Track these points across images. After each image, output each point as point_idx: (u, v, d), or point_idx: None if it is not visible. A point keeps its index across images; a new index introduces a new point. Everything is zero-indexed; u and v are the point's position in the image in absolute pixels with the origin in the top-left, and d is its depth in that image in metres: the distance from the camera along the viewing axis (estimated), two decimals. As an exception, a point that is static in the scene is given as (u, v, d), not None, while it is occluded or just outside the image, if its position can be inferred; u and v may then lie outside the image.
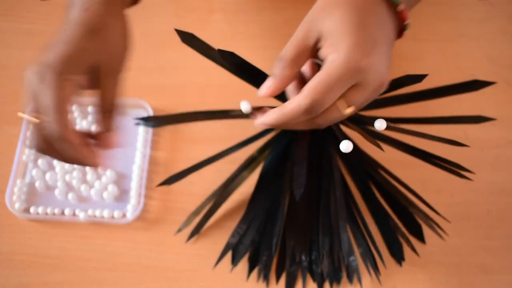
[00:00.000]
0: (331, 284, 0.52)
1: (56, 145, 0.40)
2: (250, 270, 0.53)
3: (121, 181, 0.57)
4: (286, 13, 0.68)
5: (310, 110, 0.38)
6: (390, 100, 0.51)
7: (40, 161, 0.58)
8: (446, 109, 0.57)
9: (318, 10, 0.39)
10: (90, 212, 0.55)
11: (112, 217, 0.56)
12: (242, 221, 0.54)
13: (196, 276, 0.53)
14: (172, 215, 0.56)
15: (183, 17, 0.69)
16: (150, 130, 0.60)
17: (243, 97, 0.59)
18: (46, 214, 0.56)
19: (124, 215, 0.56)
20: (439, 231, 0.54)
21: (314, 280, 0.52)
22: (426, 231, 0.54)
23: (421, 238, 0.54)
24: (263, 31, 0.68)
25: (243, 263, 0.53)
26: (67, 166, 0.58)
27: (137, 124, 0.55)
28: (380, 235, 0.54)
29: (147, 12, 0.69)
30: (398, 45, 0.66)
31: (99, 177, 0.57)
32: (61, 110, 0.38)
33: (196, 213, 0.55)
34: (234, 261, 0.53)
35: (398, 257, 0.53)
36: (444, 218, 0.54)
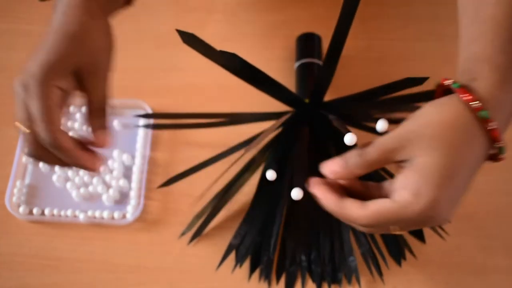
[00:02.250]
0: (329, 284, 0.52)
1: (51, 151, 0.41)
2: (252, 270, 0.53)
3: (121, 182, 0.57)
4: (286, 13, 0.68)
5: (364, 228, 0.40)
6: (390, 102, 0.51)
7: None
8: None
9: (421, 134, 0.37)
10: (90, 213, 0.55)
11: (112, 218, 0.56)
12: (244, 222, 0.54)
13: (197, 277, 0.53)
14: (172, 216, 0.56)
15: (183, 17, 0.69)
16: (150, 131, 0.60)
17: (244, 97, 0.59)
18: (46, 215, 0.56)
19: (124, 216, 0.56)
20: (440, 231, 0.54)
21: (313, 280, 0.52)
22: (426, 231, 0.54)
23: (421, 238, 0.54)
24: (263, 31, 0.68)
25: (244, 264, 0.53)
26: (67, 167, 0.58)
27: (146, 126, 0.55)
28: (380, 235, 0.54)
29: (147, 12, 0.69)
30: (398, 46, 0.66)
31: (99, 178, 0.57)
32: (49, 118, 0.39)
33: (199, 215, 0.54)
34: (238, 261, 0.53)
35: (398, 257, 0.53)
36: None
